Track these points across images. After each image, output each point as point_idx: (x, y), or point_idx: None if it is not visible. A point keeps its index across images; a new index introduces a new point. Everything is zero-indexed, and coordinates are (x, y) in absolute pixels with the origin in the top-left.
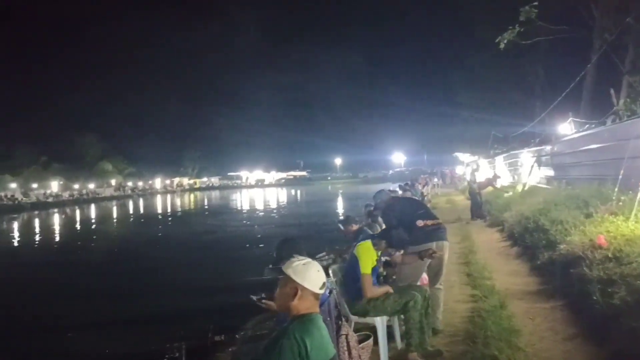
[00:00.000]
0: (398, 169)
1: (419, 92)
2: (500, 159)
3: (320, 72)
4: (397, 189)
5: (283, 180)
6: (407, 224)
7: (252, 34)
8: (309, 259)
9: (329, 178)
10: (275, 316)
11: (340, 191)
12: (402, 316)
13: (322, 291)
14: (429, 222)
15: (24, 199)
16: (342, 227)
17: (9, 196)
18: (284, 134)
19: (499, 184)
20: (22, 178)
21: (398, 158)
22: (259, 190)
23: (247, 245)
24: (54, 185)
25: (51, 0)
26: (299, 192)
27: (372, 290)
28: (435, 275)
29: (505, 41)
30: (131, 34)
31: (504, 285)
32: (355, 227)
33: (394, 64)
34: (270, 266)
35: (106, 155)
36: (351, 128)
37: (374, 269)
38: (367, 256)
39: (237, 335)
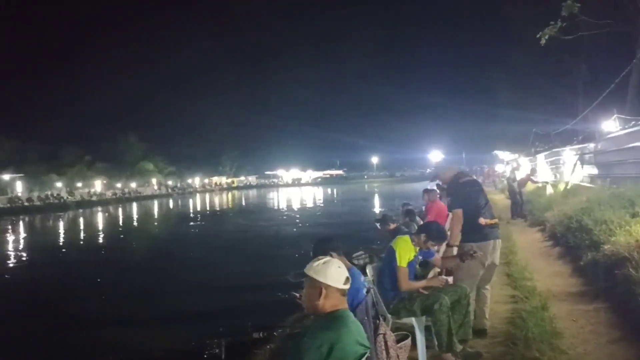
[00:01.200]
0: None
1: (457, 91)
2: (541, 157)
3: (358, 72)
4: (435, 188)
5: (319, 179)
6: (468, 215)
7: (289, 35)
8: (329, 258)
9: (365, 177)
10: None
11: (377, 190)
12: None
13: (346, 286)
14: (490, 222)
15: (69, 197)
16: (378, 226)
17: (55, 195)
18: (321, 133)
19: (538, 179)
20: (68, 177)
21: (435, 156)
22: (296, 189)
23: (285, 244)
24: (98, 184)
25: (98, 6)
26: (335, 190)
27: (408, 283)
28: (489, 275)
29: (546, 37)
30: (173, 37)
31: (546, 286)
32: (392, 226)
33: (432, 63)
34: (292, 273)
35: (147, 155)
36: (388, 127)
37: (410, 264)
38: (405, 250)
39: (275, 333)
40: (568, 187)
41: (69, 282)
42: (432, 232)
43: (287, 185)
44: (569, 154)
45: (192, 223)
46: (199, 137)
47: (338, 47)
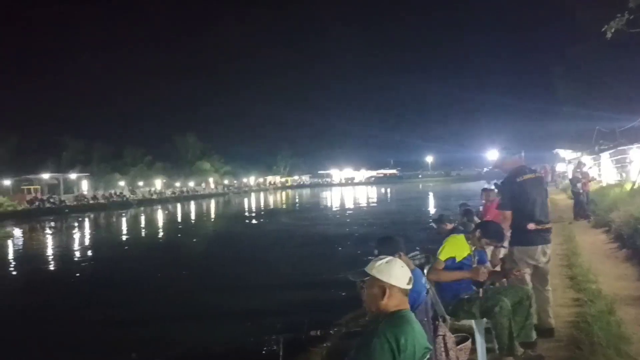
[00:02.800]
0: (492, 167)
1: (516, 88)
2: (605, 156)
3: (412, 71)
4: (493, 187)
5: (373, 179)
6: (518, 217)
7: (343, 38)
8: (391, 257)
9: (419, 176)
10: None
11: (432, 189)
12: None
13: (409, 286)
14: (542, 227)
15: (131, 196)
16: (435, 226)
17: (118, 193)
18: (374, 132)
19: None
20: (130, 176)
21: (493, 155)
22: (349, 188)
23: (339, 243)
24: (158, 183)
25: (161, 11)
26: (389, 190)
27: (437, 274)
28: (543, 279)
29: (612, 30)
30: (231, 40)
31: (611, 289)
32: (449, 226)
33: (489, 60)
34: (352, 271)
35: (204, 155)
36: (443, 125)
37: (464, 261)
38: (452, 246)
39: (331, 331)
40: (635, 186)
41: (131, 277)
42: (489, 230)
43: (340, 184)
44: (636, 152)
45: (247, 221)
46: (255, 137)
47: (389, 46)
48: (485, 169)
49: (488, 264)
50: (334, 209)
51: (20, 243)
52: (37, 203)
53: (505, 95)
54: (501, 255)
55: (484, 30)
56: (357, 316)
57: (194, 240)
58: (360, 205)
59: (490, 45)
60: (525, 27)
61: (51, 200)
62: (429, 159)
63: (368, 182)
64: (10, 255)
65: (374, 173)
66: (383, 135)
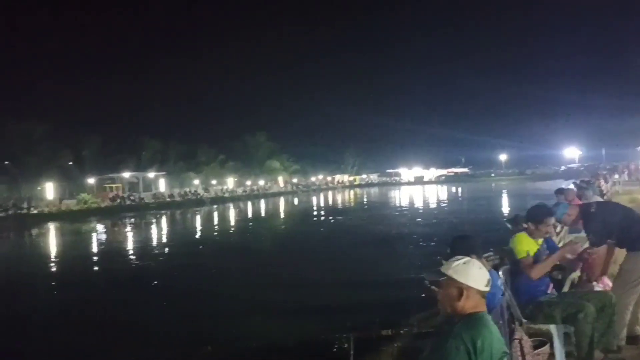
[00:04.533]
0: (571, 165)
1: (594, 84)
2: None
3: (484, 70)
4: (572, 187)
5: (443, 177)
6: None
7: (412, 39)
8: (468, 258)
9: (492, 175)
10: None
11: (505, 188)
12: (572, 327)
13: (487, 289)
14: None
15: (205, 194)
16: (510, 226)
17: (192, 191)
18: (445, 130)
19: None
20: (204, 175)
21: (571, 153)
22: (418, 187)
23: (409, 242)
24: (230, 182)
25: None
26: (460, 189)
27: (536, 269)
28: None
29: None
30: (300, 42)
31: None
32: (525, 226)
33: (565, 56)
34: (443, 262)
35: (274, 154)
36: (517, 123)
37: (535, 256)
38: (521, 244)
39: (402, 331)
40: None
41: (204, 272)
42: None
43: (409, 183)
44: None
45: (315, 219)
46: (323, 136)
47: (462, 46)
48: (562, 167)
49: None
50: (403, 207)
51: (103, 237)
52: (118, 200)
53: (583, 91)
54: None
55: (560, 26)
56: (429, 316)
57: (264, 237)
58: (430, 204)
59: (567, 41)
60: (605, 21)
61: (131, 197)
62: (503, 156)
63: (438, 181)
64: (94, 248)
65: (444, 172)
66: (454, 133)
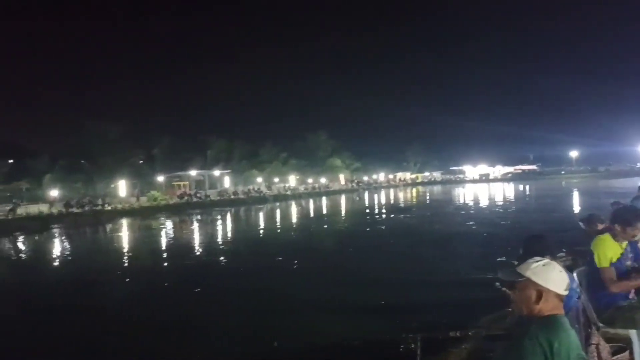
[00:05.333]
0: None
1: None
2: None
3: (552, 66)
4: None
5: (510, 175)
6: None
7: (479, 34)
8: (548, 260)
9: (562, 172)
10: (512, 315)
11: (577, 186)
12: None
13: (566, 293)
14: None
15: (268, 191)
16: (583, 227)
17: (255, 189)
18: (512, 127)
19: None
20: (266, 173)
21: None
22: (483, 185)
23: (475, 241)
24: (292, 179)
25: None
26: (527, 187)
27: (617, 284)
28: None
29: None
30: (362, 42)
31: None
32: (600, 226)
33: (637, 50)
34: (516, 262)
35: (335, 152)
36: (588, 119)
37: (618, 262)
38: (604, 249)
39: (470, 333)
40: None
41: (268, 267)
42: (624, 216)
43: (473, 181)
44: None
45: (378, 217)
46: (385, 134)
47: (528, 42)
48: (639, 164)
49: None
50: (467, 206)
51: (172, 233)
52: (185, 197)
53: None
54: None
55: (633, 21)
56: (498, 318)
57: (326, 235)
58: (496, 202)
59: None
60: None
61: (198, 195)
62: (573, 153)
63: (504, 179)
64: (164, 243)
65: (511, 169)
66: (521, 130)
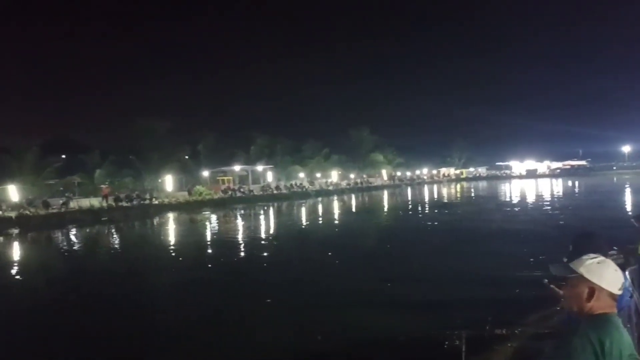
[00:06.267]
0: None
1: None
2: None
3: (602, 63)
4: None
5: (558, 170)
6: None
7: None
8: (603, 257)
9: (614, 168)
10: (559, 314)
11: (629, 183)
12: None
13: (620, 292)
14: None
15: (310, 187)
16: (636, 224)
17: (298, 184)
18: (560, 123)
19: None
20: (309, 168)
21: None
22: (531, 180)
23: (521, 238)
24: (334, 175)
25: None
26: (577, 183)
27: None
28: None
29: None
30: (404, 41)
31: None
32: None
33: None
34: (565, 259)
35: (378, 147)
36: None
37: None
38: None
39: (516, 331)
40: None
41: (313, 262)
42: None
43: (520, 176)
44: None
45: (420, 214)
46: (428, 129)
47: (577, 39)
48: None
49: None
50: (513, 202)
51: (217, 226)
52: (229, 192)
53: None
54: None
55: None
56: (545, 316)
57: (368, 230)
58: (544, 199)
59: None
60: None
61: (241, 190)
62: (626, 148)
63: (552, 175)
64: (209, 236)
65: (559, 164)
66: (570, 125)
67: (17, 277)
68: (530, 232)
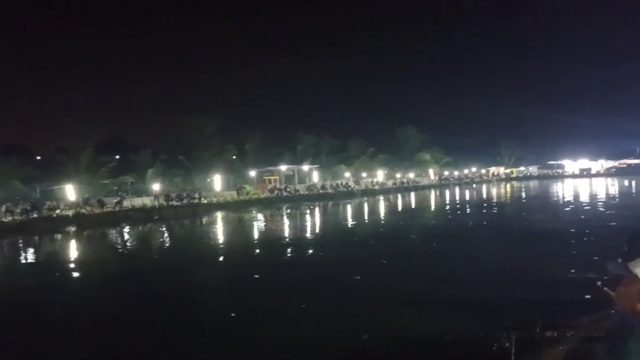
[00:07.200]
0: None
1: None
2: None
3: None
4: None
5: (613, 170)
6: None
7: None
8: None
9: None
10: (613, 316)
11: None
12: None
13: None
14: None
15: (355, 186)
16: None
17: (343, 184)
18: (615, 119)
19: None
20: (354, 168)
21: None
22: (584, 180)
23: (573, 238)
24: (380, 174)
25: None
26: (633, 182)
27: None
28: None
29: None
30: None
31: None
32: None
33: None
34: (620, 260)
35: (425, 146)
36: None
37: None
38: None
39: (569, 334)
40: None
41: (358, 261)
42: None
43: (573, 176)
44: None
45: (468, 213)
46: (477, 128)
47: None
48: None
49: None
50: (566, 202)
51: (264, 225)
52: (276, 192)
53: None
54: None
55: None
56: (599, 319)
57: (414, 229)
58: (598, 199)
59: None
60: None
61: (287, 189)
62: None
63: (607, 174)
64: (256, 235)
65: (615, 163)
66: (626, 123)
67: (76, 273)
68: (583, 232)
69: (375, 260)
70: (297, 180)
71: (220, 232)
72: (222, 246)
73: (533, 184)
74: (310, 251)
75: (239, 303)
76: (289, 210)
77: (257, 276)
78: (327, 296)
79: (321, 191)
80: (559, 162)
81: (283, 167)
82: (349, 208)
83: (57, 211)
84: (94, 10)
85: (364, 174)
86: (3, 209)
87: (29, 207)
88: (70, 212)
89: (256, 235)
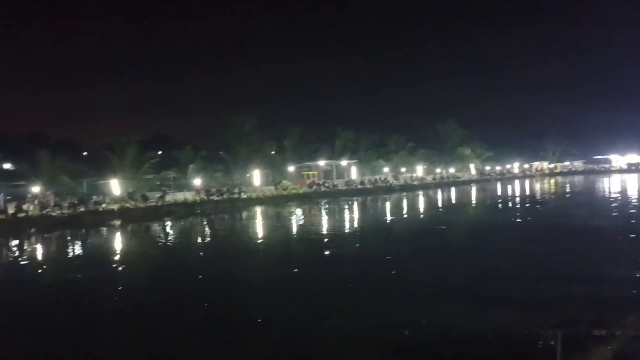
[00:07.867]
0: None
1: None
2: None
3: None
4: None
5: None
6: None
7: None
8: None
9: None
10: None
11: None
12: None
13: None
14: None
15: (394, 181)
16: None
17: (382, 179)
18: None
19: None
20: (393, 163)
21: None
22: (633, 175)
23: (620, 236)
24: (419, 169)
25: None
26: None
27: None
28: None
29: None
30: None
31: None
32: None
33: None
34: None
35: (465, 141)
36: None
37: None
38: None
39: (616, 332)
40: None
41: (400, 255)
42: None
43: (621, 170)
44: None
45: (511, 209)
46: (520, 122)
47: None
48: None
49: None
50: (613, 198)
51: (303, 220)
52: (314, 187)
53: None
54: None
55: None
56: None
57: (456, 225)
58: None
59: None
60: None
61: (326, 184)
62: None
63: None
64: (294, 230)
65: None
66: None
67: (123, 265)
68: (632, 230)
69: (416, 256)
70: (336, 175)
71: (260, 227)
72: (261, 240)
73: (578, 179)
74: (348, 247)
75: (282, 298)
76: (327, 206)
77: (297, 270)
78: (368, 292)
79: (359, 186)
80: (605, 156)
81: (321, 163)
82: (387, 203)
83: (103, 205)
84: (138, 10)
85: (403, 169)
86: (52, 202)
87: (76, 201)
88: (115, 206)
89: (295, 229)
